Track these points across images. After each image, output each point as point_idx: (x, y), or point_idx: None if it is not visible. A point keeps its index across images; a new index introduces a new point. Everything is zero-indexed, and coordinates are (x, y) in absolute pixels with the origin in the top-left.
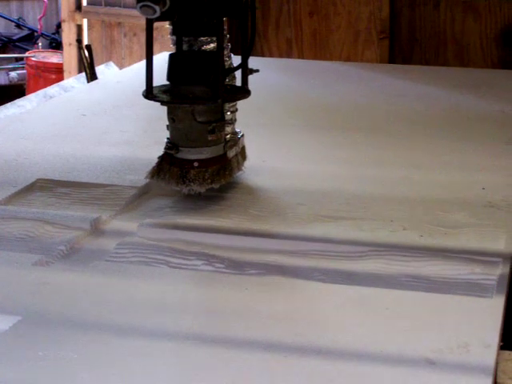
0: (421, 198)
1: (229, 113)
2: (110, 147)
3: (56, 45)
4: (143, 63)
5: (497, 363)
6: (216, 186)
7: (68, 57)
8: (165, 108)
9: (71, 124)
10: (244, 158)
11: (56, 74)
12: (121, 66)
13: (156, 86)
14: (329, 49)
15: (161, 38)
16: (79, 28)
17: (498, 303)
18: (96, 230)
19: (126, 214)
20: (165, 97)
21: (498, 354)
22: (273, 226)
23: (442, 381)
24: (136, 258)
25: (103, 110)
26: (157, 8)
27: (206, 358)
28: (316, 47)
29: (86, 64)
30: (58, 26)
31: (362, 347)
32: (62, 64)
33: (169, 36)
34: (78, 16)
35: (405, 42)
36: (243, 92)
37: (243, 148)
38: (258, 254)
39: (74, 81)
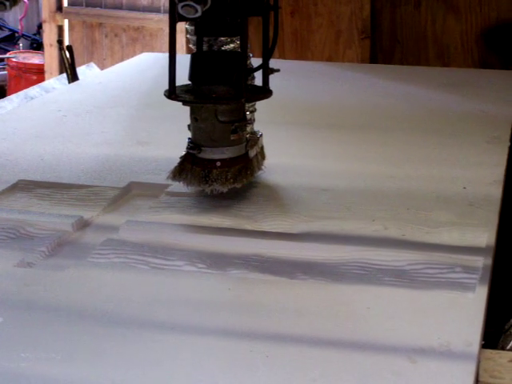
0: (403, 196)
1: (248, 112)
2: (91, 148)
3: (37, 45)
4: (124, 64)
5: (478, 362)
6: (238, 185)
7: (49, 58)
8: (146, 109)
9: (52, 125)
10: (263, 157)
11: (37, 74)
12: (102, 67)
13: (177, 86)
14: (310, 49)
15: (142, 38)
16: (60, 29)
17: (480, 302)
18: (78, 230)
19: (107, 214)
20: (187, 97)
21: (480, 353)
22: (254, 226)
23: (423, 379)
24: (118, 258)
25: (84, 110)
26: (198, 8)
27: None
28: (297, 47)
29: (67, 65)
30: (39, 26)
31: (343, 346)
32: (43, 65)
33: (188, 36)
34: (58, 17)
35: (386, 42)
36: (265, 92)
37: (262, 147)
38: (240, 253)
39: (55, 81)
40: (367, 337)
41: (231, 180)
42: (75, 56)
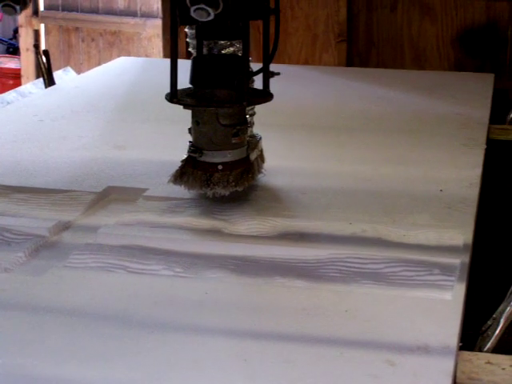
0: (379, 199)
1: (247, 116)
2: (68, 152)
3: (13, 50)
4: (101, 68)
5: (456, 364)
6: (240, 188)
7: (25, 62)
8: (123, 113)
9: (29, 129)
10: (263, 160)
11: (13, 79)
12: (79, 71)
13: (178, 90)
14: (287, 52)
15: (119, 42)
16: (36, 33)
17: (457, 304)
18: (55, 235)
19: (85, 219)
20: (189, 100)
21: (458, 355)
22: (231, 229)
23: (401, 382)
24: (95, 263)
25: (61, 115)
26: (211, 11)
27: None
28: None
29: (43, 69)
30: (15, 31)
31: (321, 349)
32: (19, 69)
33: (187, 40)
34: (35, 21)
35: (362, 45)
36: (266, 95)
37: (261, 150)
38: (217, 258)
39: (32, 86)
40: (345, 339)
41: (233, 183)
42: (52, 60)
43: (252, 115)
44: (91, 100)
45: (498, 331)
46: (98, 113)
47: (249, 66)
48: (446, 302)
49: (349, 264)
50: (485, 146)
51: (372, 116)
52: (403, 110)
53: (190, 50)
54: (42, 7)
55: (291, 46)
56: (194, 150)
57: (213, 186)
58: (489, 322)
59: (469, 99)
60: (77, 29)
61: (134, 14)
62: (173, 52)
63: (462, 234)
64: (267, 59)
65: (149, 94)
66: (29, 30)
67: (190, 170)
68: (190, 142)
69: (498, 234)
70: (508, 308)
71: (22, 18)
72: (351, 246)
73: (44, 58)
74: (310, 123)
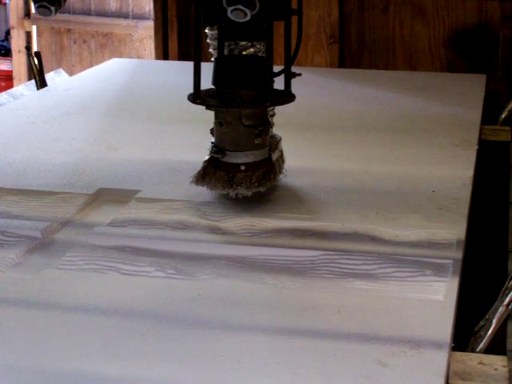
0: (372, 200)
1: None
2: (60, 154)
3: (5, 52)
4: (93, 70)
5: (449, 364)
6: (263, 189)
7: (17, 64)
8: (115, 115)
9: (21, 131)
10: (283, 160)
11: (5, 81)
12: (71, 73)
13: (201, 91)
14: (279, 53)
15: (111, 44)
16: (28, 35)
17: (450, 305)
18: (47, 238)
19: (76, 221)
20: (212, 101)
21: (450, 355)
22: (223, 230)
23: (394, 382)
24: (87, 265)
25: (53, 117)
26: (248, 11)
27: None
28: None
29: (35, 71)
30: (7, 33)
31: (313, 350)
32: (11, 71)
33: (208, 41)
34: (27, 23)
35: (354, 47)
36: (289, 95)
37: (282, 151)
38: (209, 259)
39: (24, 88)
40: (337, 340)
41: (256, 184)
42: (44, 62)
43: (272, 116)
44: (83, 102)
45: (490, 332)
46: (90, 114)
47: (272, 67)
48: (439, 303)
49: (341, 265)
50: (477, 147)
51: (364, 117)
52: (395, 110)
53: (210, 50)
54: (33, 9)
55: (283, 47)
56: (217, 150)
57: (235, 186)
58: (481, 323)
59: (461, 100)
60: (69, 30)
61: (125, 16)
62: (196, 53)
63: (454, 234)
64: (289, 60)
65: (141, 96)
66: (20, 31)
67: (213, 171)
68: (212, 142)
69: (490, 235)
70: (500, 308)
71: (14, 19)
72: (344, 246)
73: (36, 60)
74: (301, 124)
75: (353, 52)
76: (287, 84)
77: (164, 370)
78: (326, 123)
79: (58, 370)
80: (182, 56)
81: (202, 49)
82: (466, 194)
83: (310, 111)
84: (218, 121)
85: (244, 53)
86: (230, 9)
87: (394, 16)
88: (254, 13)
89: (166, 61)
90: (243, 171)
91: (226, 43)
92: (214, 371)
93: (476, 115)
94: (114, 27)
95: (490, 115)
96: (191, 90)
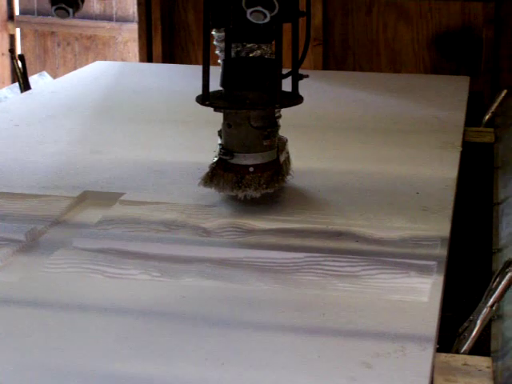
0: (356, 202)
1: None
2: (44, 157)
3: None
4: (77, 72)
5: (433, 366)
6: (271, 190)
7: (1, 67)
8: (99, 118)
9: (4, 134)
10: (290, 162)
11: None
12: (55, 76)
13: (209, 92)
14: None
15: (95, 47)
16: (12, 38)
17: (434, 306)
18: (31, 241)
19: (61, 224)
20: (221, 103)
21: (435, 357)
22: (208, 232)
23: None
24: (72, 268)
25: (37, 120)
26: (267, 13)
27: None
28: None
29: (19, 74)
30: None
31: (298, 352)
32: None
33: (215, 43)
34: (10, 25)
35: (338, 49)
36: (297, 97)
37: (288, 152)
38: (194, 262)
39: (8, 91)
40: (322, 342)
41: (264, 185)
42: (27, 65)
43: (279, 118)
44: (67, 104)
45: (474, 333)
46: (74, 117)
47: (282, 68)
48: (423, 304)
49: (326, 267)
50: (460, 149)
51: (348, 118)
52: (379, 112)
53: (216, 52)
54: (17, 11)
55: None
56: (225, 152)
57: (244, 188)
58: (465, 324)
59: (444, 102)
60: (52, 33)
61: (109, 19)
62: (205, 55)
63: (438, 235)
64: (297, 62)
65: (125, 98)
66: (4, 34)
67: (221, 173)
68: (219, 144)
69: (475, 236)
70: (485, 309)
71: None
72: (328, 249)
73: (20, 63)
74: (284, 124)
75: (337, 54)
76: (295, 86)
77: (152, 371)
78: (308, 124)
79: (39, 371)
80: (166, 58)
81: (209, 51)
82: (450, 195)
83: (294, 112)
84: (227, 122)
85: (251, 55)
86: (249, 10)
87: (378, 18)
88: (273, 14)
89: (150, 63)
90: (252, 173)
91: (233, 45)
92: (199, 370)
93: (460, 117)
94: (97, 30)
95: (473, 117)
96: (176, 92)
